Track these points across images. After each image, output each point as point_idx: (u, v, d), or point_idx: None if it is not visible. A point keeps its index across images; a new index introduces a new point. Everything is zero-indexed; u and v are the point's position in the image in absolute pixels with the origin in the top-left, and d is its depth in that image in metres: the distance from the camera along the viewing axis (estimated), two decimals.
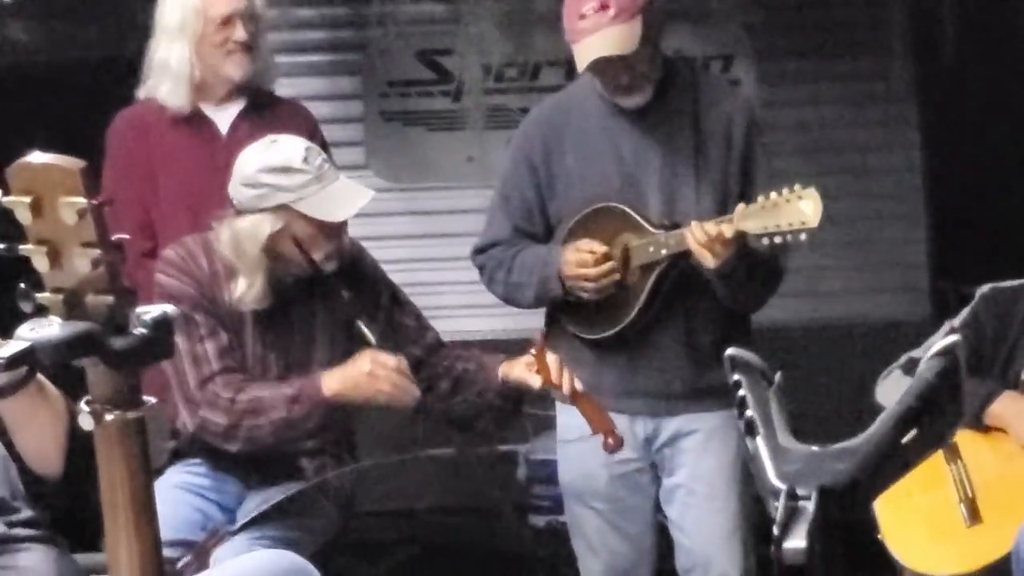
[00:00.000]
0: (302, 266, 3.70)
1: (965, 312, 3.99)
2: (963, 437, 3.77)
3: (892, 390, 3.91)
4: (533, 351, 3.74)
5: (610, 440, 3.72)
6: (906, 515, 3.73)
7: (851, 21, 6.70)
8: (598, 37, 3.76)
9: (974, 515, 3.70)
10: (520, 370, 3.76)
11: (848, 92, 6.70)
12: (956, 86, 6.52)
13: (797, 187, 3.62)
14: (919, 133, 6.71)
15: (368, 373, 3.57)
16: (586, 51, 3.78)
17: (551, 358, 3.72)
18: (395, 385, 3.57)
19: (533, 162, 4.01)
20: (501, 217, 4.06)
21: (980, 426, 3.81)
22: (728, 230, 3.64)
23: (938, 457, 3.75)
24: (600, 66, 3.81)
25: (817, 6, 6.71)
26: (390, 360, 3.58)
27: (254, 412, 3.63)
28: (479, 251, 4.10)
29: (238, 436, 3.66)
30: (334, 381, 3.61)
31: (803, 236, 3.61)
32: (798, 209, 3.59)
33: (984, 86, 6.35)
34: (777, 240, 3.63)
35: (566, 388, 3.69)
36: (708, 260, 3.68)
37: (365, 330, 3.68)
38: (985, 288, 4.00)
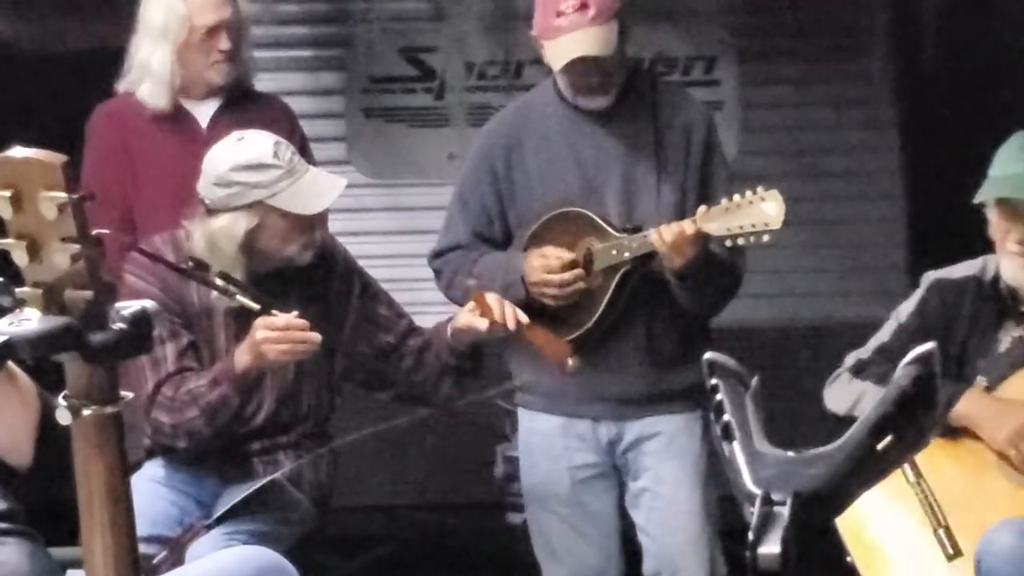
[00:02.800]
0: (277, 260, 3.70)
1: (912, 303, 3.79)
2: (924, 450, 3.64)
3: (841, 394, 3.77)
4: (472, 296, 3.76)
5: (569, 361, 3.74)
6: (882, 550, 3.60)
7: (834, 24, 6.71)
8: (576, 37, 3.76)
9: (954, 547, 3.53)
10: (465, 318, 3.77)
11: (829, 95, 6.71)
12: (937, 90, 6.53)
13: (760, 189, 3.64)
14: (899, 136, 6.72)
15: (262, 340, 3.55)
16: (564, 49, 3.78)
17: (491, 298, 3.73)
18: (292, 341, 3.55)
19: (494, 166, 4.00)
20: (459, 221, 4.06)
21: (945, 430, 3.64)
22: (690, 229, 3.65)
23: (900, 477, 3.59)
24: (574, 66, 3.81)
25: (800, 9, 6.72)
26: (278, 320, 3.56)
27: (188, 404, 3.64)
28: (437, 255, 4.09)
29: (180, 432, 3.67)
30: (241, 355, 3.61)
31: (765, 238, 3.63)
32: (761, 210, 3.61)
33: (964, 90, 6.37)
34: (740, 242, 3.65)
35: (511, 323, 3.70)
36: (675, 260, 3.68)
37: (244, 300, 3.63)
38: (932, 277, 3.80)
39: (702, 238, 3.68)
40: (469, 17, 6.61)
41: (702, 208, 3.69)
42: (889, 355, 3.66)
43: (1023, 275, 3.60)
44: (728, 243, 3.68)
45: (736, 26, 6.73)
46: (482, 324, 3.73)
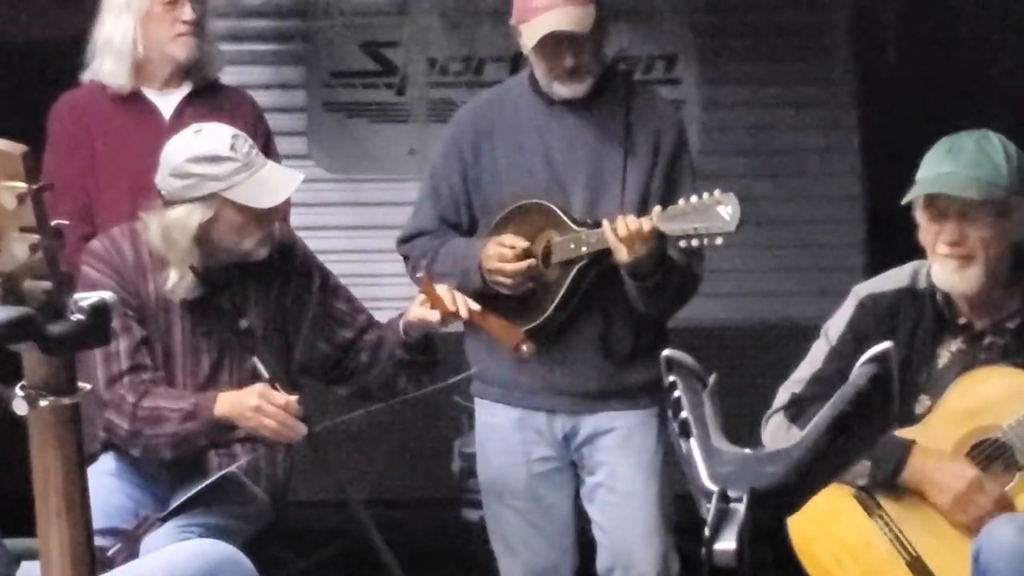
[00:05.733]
0: (233, 253, 3.69)
1: (843, 322, 3.60)
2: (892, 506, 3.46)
3: (780, 443, 3.33)
4: (421, 288, 3.77)
5: (523, 347, 3.77)
6: None
7: (795, 24, 6.73)
8: (554, 13, 3.81)
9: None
10: (416, 311, 3.79)
11: (790, 95, 6.73)
12: (896, 91, 6.56)
13: (717, 192, 3.67)
14: (859, 137, 6.75)
15: (255, 408, 3.58)
16: (540, 25, 3.82)
17: (440, 288, 3.76)
18: (281, 423, 3.59)
19: (463, 153, 4.03)
20: (428, 207, 4.08)
21: (896, 489, 3.44)
22: (647, 225, 3.68)
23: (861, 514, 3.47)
24: (549, 45, 3.83)
25: (761, 9, 6.74)
26: (279, 398, 3.60)
27: (153, 422, 3.63)
28: (404, 240, 4.11)
29: (139, 443, 3.66)
30: (225, 404, 3.62)
31: (719, 240, 3.66)
32: (717, 213, 3.64)
33: (924, 92, 6.40)
34: (694, 243, 3.68)
35: (463, 312, 3.72)
36: (623, 255, 3.71)
37: (260, 366, 3.68)
38: (861, 293, 3.61)
39: (654, 237, 3.70)
40: (431, 13, 6.61)
41: (657, 208, 3.73)
42: (826, 385, 3.48)
43: (954, 278, 3.46)
44: (683, 243, 3.71)
45: (697, 25, 6.75)
46: (433, 316, 3.75)
